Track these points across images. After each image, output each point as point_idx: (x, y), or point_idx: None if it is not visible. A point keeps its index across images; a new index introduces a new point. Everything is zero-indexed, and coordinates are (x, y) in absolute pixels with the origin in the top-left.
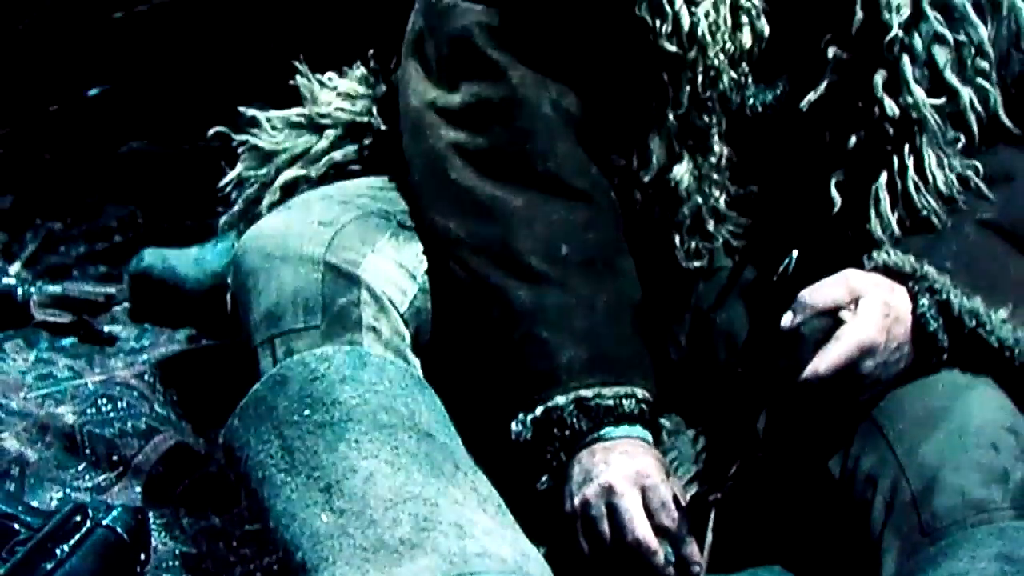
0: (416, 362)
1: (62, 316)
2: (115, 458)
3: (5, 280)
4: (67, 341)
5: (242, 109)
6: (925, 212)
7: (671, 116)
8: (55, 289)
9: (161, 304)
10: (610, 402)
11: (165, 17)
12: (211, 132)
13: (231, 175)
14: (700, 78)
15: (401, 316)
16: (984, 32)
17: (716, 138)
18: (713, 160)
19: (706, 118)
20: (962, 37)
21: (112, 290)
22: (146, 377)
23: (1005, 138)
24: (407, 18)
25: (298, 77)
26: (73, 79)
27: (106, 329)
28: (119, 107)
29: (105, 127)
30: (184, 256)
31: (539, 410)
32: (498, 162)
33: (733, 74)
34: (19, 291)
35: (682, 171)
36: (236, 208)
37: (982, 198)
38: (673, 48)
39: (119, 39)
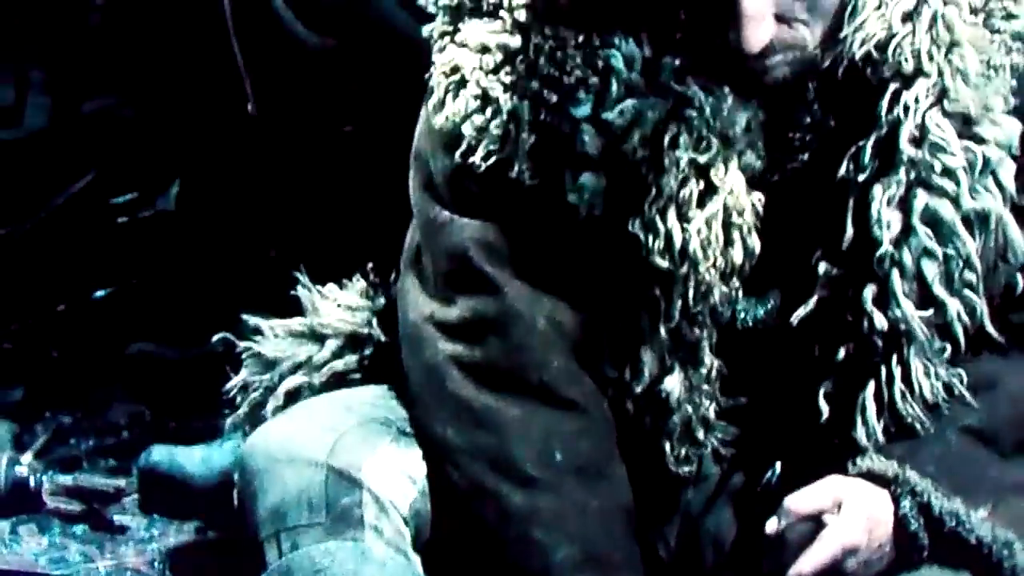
0: (416, 559)
1: (74, 505)
2: None
3: (18, 469)
4: (79, 528)
5: (245, 317)
6: (910, 419)
7: (663, 330)
8: (66, 479)
9: (170, 498)
10: None
11: (169, 224)
12: (215, 338)
13: (236, 380)
14: (691, 293)
15: (402, 516)
16: (972, 246)
17: (707, 351)
18: (703, 372)
19: (697, 332)
20: (951, 251)
21: (122, 482)
22: (156, 564)
23: (990, 346)
24: (404, 233)
25: (299, 288)
26: (79, 281)
27: (116, 518)
28: (125, 309)
29: (111, 328)
30: (191, 454)
31: None
32: (494, 374)
33: (724, 289)
34: (31, 480)
35: (673, 383)
36: (241, 411)
37: (966, 405)
38: (665, 264)
39: (124, 244)
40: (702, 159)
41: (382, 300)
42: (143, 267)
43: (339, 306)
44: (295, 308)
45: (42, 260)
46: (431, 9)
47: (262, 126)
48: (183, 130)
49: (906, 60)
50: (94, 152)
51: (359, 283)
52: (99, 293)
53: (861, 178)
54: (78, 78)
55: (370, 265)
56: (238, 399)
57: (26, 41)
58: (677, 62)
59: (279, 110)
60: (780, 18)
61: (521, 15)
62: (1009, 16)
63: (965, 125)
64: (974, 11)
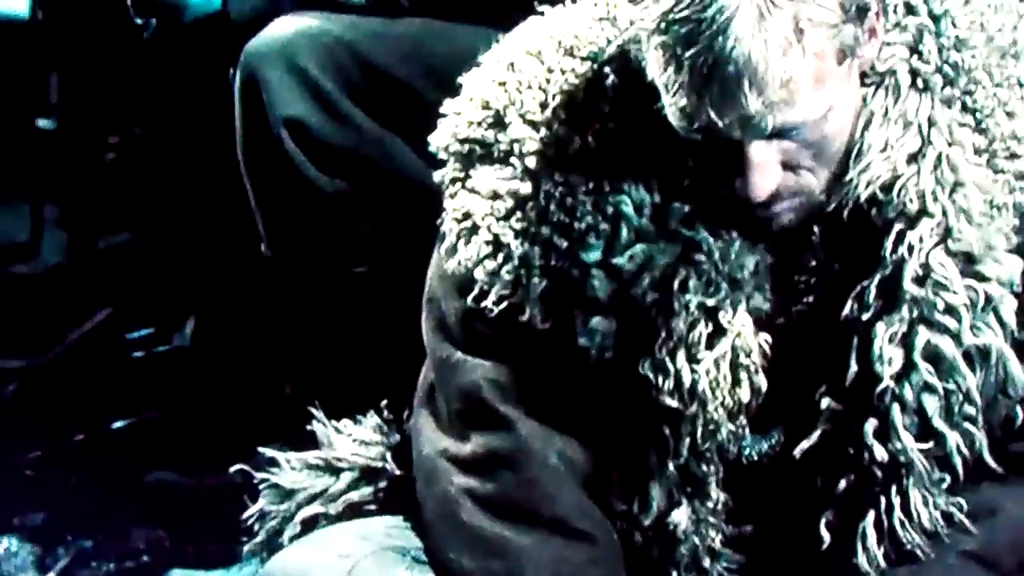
0: None
1: None
2: None
3: None
4: None
5: (262, 450)
6: (910, 546)
7: (671, 466)
8: None
9: None
10: None
11: (185, 359)
12: (233, 469)
13: (254, 509)
14: (700, 431)
15: None
16: (972, 380)
17: (713, 485)
18: (710, 505)
19: (704, 467)
20: (951, 385)
21: None
22: None
23: (989, 476)
24: (418, 372)
25: (315, 423)
26: (98, 411)
27: None
28: (143, 440)
29: (130, 457)
30: None
31: None
32: (507, 506)
33: (731, 426)
34: None
35: (681, 516)
36: (259, 538)
37: (965, 532)
38: (674, 403)
39: (142, 377)
40: (711, 302)
41: (396, 436)
42: (161, 400)
43: (354, 440)
44: (311, 442)
45: (60, 391)
46: (442, 155)
47: (276, 266)
48: (198, 268)
49: (911, 201)
50: (110, 288)
51: (373, 419)
52: (117, 424)
53: (865, 317)
54: (93, 214)
55: (384, 402)
56: (256, 527)
57: (41, 176)
58: (686, 208)
59: (292, 251)
60: (786, 165)
61: (531, 162)
62: (1013, 156)
63: (968, 263)
64: (978, 152)
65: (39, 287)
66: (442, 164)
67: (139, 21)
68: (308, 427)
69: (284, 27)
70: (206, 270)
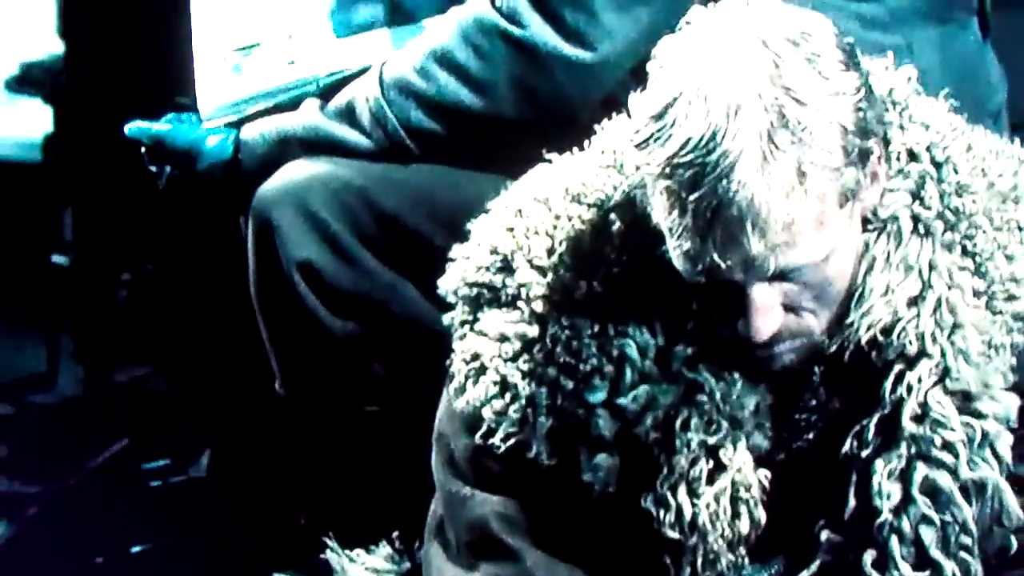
0: None
1: None
2: None
3: None
4: None
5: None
6: None
7: None
8: None
9: None
10: None
11: (201, 490)
12: None
13: None
14: (700, 561)
15: None
16: (969, 512)
17: None
18: None
19: None
20: (948, 518)
21: None
22: None
23: None
24: (428, 504)
25: (329, 552)
26: (116, 536)
27: None
28: (160, 566)
29: None
30: None
31: None
32: None
33: (731, 556)
34: None
35: None
36: None
37: None
38: (675, 535)
39: (158, 505)
40: (712, 440)
41: (407, 565)
42: (177, 528)
43: (367, 569)
44: (325, 571)
45: (79, 518)
46: (451, 299)
47: (290, 403)
48: (213, 401)
49: (910, 343)
50: (127, 419)
51: (385, 548)
52: (135, 548)
53: (864, 454)
54: (110, 348)
55: (395, 533)
56: None
57: (57, 310)
58: (689, 350)
59: (306, 389)
60: (788, 307)
61: (539, 306)
62: (1011, 298)
63: (965, 401)
64: (977, 294)
65: (56, 417)
66: (451, 307)
67: (153, 169)
68: (322, 556)
69: (295, 172)
70: (221, 404)
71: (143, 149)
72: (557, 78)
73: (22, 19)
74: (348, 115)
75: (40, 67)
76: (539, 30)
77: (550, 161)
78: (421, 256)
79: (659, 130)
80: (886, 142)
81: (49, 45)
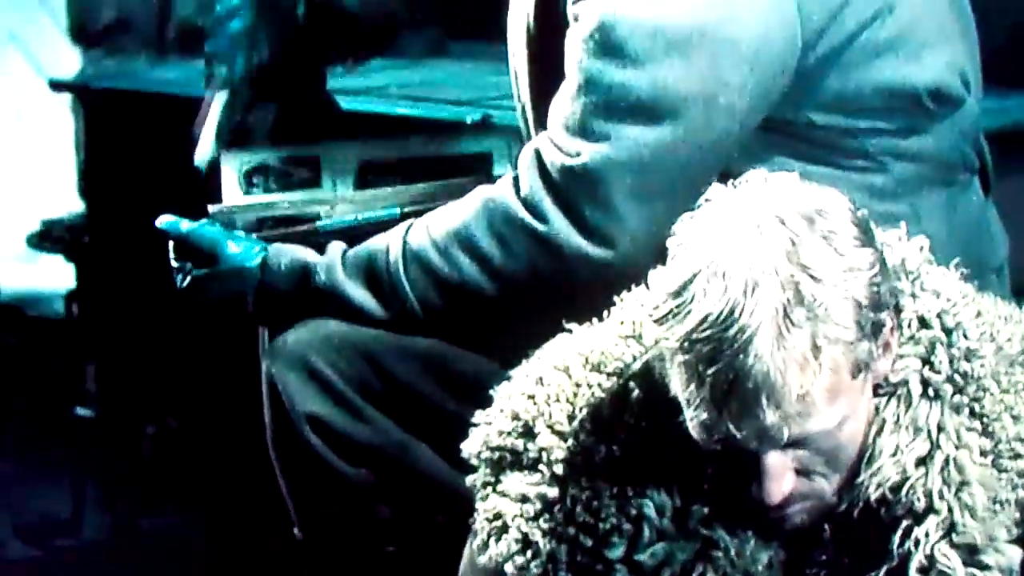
0: None
1: None
2: None
3: None
4: None
5: None
6: None
7: None
8: None
9: None
10: None
11: None
12: None
13: None
14: None
15: None
16: None
17: None
18: None
19: None
20: None
21: None
22: None
23: None
24: None
25: None
26: None
27: None
28: None
29: None
30: None
31: None
32: None
33: None
34: None
35: None
36: None
37: None
38: None
39: None
40: None
41: None
42: None
43: None
44: None
45: None
46: (473, 461)
47: (309, 547)
48: (235, 547)
49: (918, 500)
50: (153, 566)
51: None
52: None
53: None
54: (134, 496)
55: None
56: None
57: (81, 459)
58: (705, 509)
59: (323, 534)
60: (800, 471)
61: (559, 469)
62: (1016, 456)
63: (971, 554)
64: (984, 453)
65: (82, 563)
66: (472, 468)
67: (175, 264)
68: None
69: (307, 332)
70: (242, 549)
71: (170, 245)
72: (578, 273)
73: (44, 178)
74: (367, 279)
75: (62, 225)
76: (561, 228)
77: (570, 331)
78: (432, 419)
79: (678, 306)
80: (898, 310)
81: (70, 204)
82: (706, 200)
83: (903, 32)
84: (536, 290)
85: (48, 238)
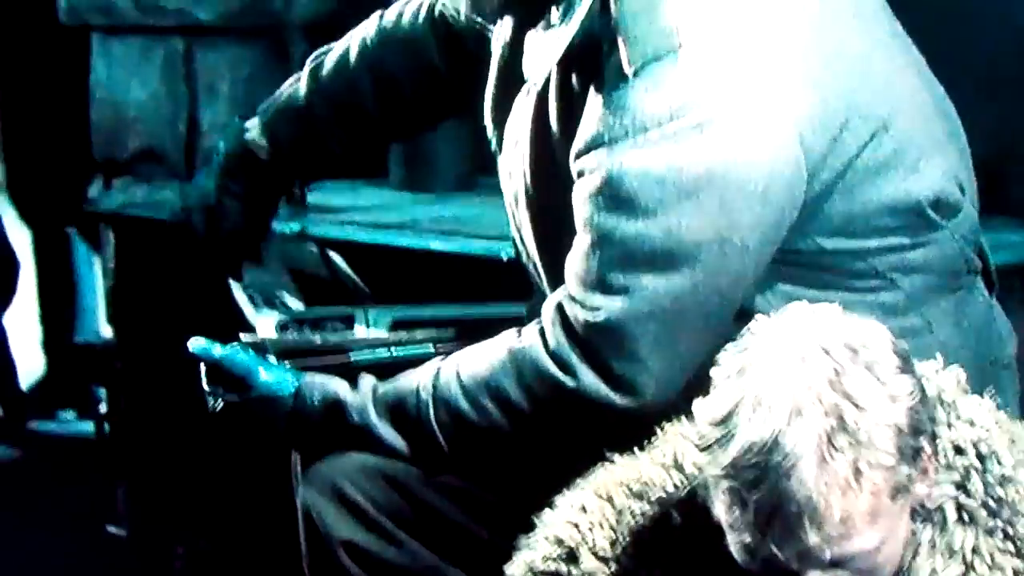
0: None
1: None
2: None
3: None
4: None
5: None
6: None
7: None
8: None
9: None
10: None
11: None
12: None
13: None
14: None
15: None
16: None
17: None
18: None
19: None
20: None
21: None
22: None
23: None
24: None
25: None
26: None
27: None
28: None
29: None
30: None
31: None
32: None
33: None
34: None
35: None
36: None
37: None
38: None
39: None
40: None
41: None
42: None
43: None
44: None
45: None
46: None
47: None
48: None
49: None
50: None
51: None
52: None
53: None
54: None
55: None
56: None
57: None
58: None
59: None
60: None
61: None
62: None
63: None
64: (1017, 574)
65: None
66: None
67: (207, 388)
68: None
69: (339, 460)
70: None
71: (202, 369)
72: (603, 419)
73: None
74: (398, 420)
75: (92, 351)
76: (590, 381)
77: (611, 460)
78: (465, 545)
79: (723, 434)
80: (934, 437)
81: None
82: (749, 332)
83: (900, 146)
84: (560, 433)
85: (80, 361)
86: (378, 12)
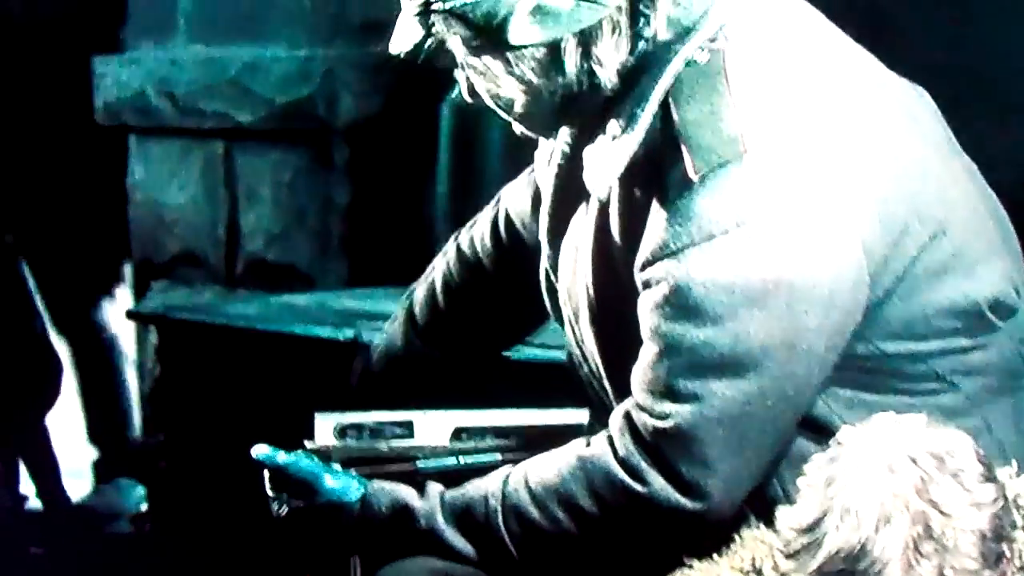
0: None
1: None
2: None
3: None
4: None
5: None
6: None
7: None
8: None
9: None
10: None
11: None
12: None
13: None
14: None
15: None
16: None
17: None
18: None
19: None
20: None
21: None
22: None
23: None
24: None
25: None
26: None
27: None
28: None
29: None
30: None
31: None
32: None
33: None
34: None
35: None
36: None
37: None
38: None
39: None
40: None
41: None
42: None
43: None
44: None
45: None
46: None
47: None
48: None
49: None
50: None
51: None
52: None
53: None
54: None
55: None
56: None
57: None
58: None
59: None
60: None
61: None
62: None
63: None
64: None
65: None
66: None
67: (272, 494)
68: None
69: (407, 566)
70: None
71: (266, 476)
72: (674, 526)
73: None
74: (466, 527)
75: (135, 450)
76: (660, 487)
77: (690, 566)
78: None
79: (811, 541)
80: (1012, 542)
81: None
82: (836, 443)
83: (958, 249)
84: (630, 539)
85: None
86: (453, 240)
